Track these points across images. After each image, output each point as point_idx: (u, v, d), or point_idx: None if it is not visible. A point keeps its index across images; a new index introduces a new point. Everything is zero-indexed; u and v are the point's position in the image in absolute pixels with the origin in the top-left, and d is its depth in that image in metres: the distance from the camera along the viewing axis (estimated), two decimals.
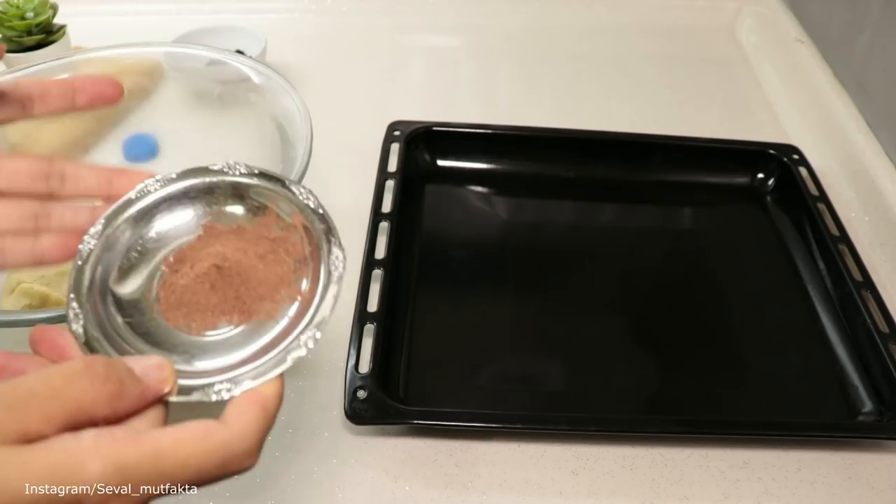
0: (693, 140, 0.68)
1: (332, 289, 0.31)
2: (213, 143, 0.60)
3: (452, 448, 0.47)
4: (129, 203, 0.33)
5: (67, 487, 0.24)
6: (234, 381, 0.28)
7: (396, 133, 0.66)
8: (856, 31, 0.73)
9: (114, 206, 0.33)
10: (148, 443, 0.25)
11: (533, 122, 0.69)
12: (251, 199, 0.34)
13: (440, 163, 0.67)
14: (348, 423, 0.46)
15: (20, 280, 0.51)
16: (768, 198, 0.66)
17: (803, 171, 0.65)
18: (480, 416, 0.47)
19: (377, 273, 0.54)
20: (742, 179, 0.67)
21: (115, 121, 0.62)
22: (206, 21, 0.76)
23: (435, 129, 0.67)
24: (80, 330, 0.30)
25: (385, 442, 0.47)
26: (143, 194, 0.33)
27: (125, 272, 0.32)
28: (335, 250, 0.32)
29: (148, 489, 0.25)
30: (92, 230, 0.32)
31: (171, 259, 0.33)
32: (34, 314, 0.40)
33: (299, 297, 0.31)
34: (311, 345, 0.29)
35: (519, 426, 0.47)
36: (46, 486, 0.23)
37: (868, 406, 0.50)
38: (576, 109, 0.77)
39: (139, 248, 0.33)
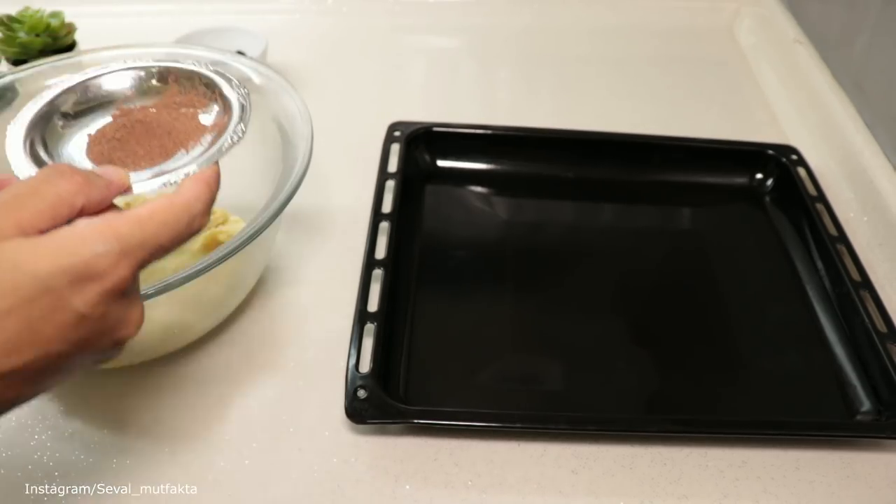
0: (692, 140, 0.68)
1: (243, 107, 0.39)
2: None
3: (452, 447, 0.47)
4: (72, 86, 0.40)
5: (78, 258, 0.28)
6: (185, 173, 0.35)
7: (397, 133, 0.66)
8: (854, 32, 0.73)
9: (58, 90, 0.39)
10: (131, 215, 0.30)
11: (533, 123, 0.69)
12: (155, 79, 0.41)
13: (440, 163, 0.67)
14: (348, 422, 0.46)
15: None
16: (767, 198, 0.66)
17: (802, 171, 0.65)
18: (480, 415, 0.47)
19: (377, 273, 0.54)
20: (741, 180, 0.68)
21: None
22: (207, 22, 0.76)
23: (435, 129, 0.67)
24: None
25: (385, 441, 0.47)
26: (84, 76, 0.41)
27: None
28: (234, 84, 0.40)
29: (141, 253, 0.30)
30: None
31: (96, 131, 0.38)
32: None
33: (216, 129, 0.38)
34: (237, 137, 0.37)
35: (519, 426, 0.47)
36: (58, 263, 0.28)
37: (866, 405, 0.50)
38: (576, 110, 0.77)
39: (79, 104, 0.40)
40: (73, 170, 0.30)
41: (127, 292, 0.30)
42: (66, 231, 0.29)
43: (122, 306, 0.30)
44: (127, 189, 0.33)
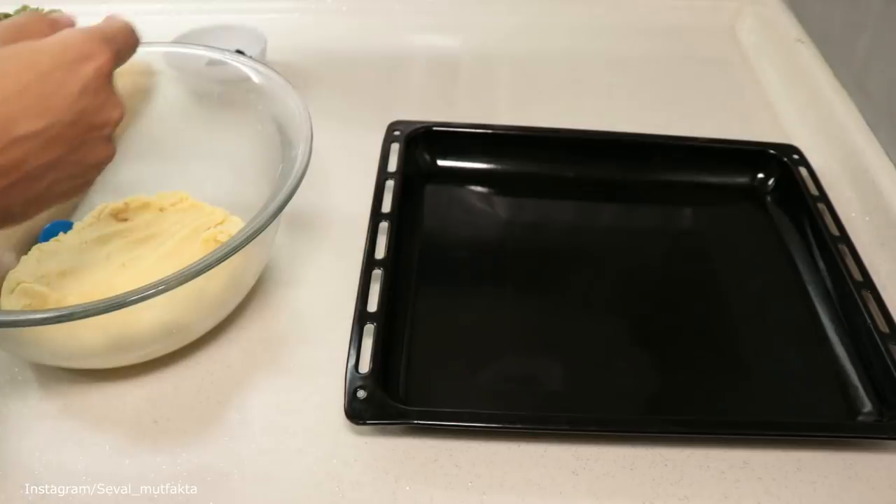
0: (693, 140, 0.68)
1: None
2: (214, 143, 0.60)
3: (452, 448, 0.47)
4: None
5: (77, 42, 0.37)
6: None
7: (396, 133, 0.66)
8: (856, 32, 0.73)
9: None
10: (97, 27, 0.39)
11: (533, 122, 0.69)
12: None
13: (440, 163, 0.67)
14: (348, 422, 0.46)
15: (20, 280, 0.51)
16: (768, 198, 0.66)
17: (803, 170, 0.65)
18: (480, 416, 0.47)
19: (377, 273, 0.54)
20: (742, 179, 0.67)
21: (124, 125, 0.62)
22: (207, 21, 0.76)
23: (435, 129, 0.67)
24: None
25: (385, 442, 0.47)
26: None
27: None
28: None
29: (114, 44, 0.39)
30: None
31: None
32: (34, 314, 0.40)
33: None
34: None
35: (519, 426, 0.47)
36: (64, 45, 0.37)
37: (868, 406, 0.50)
38: (576, 109, 0.77)
39: None
40: (41, 16, 0.39)
41: (111, 77, 0.38)
42: (62, 32, 0.38)
43: (109, 88, 0.38)
44: (72, 23, 0.41)
